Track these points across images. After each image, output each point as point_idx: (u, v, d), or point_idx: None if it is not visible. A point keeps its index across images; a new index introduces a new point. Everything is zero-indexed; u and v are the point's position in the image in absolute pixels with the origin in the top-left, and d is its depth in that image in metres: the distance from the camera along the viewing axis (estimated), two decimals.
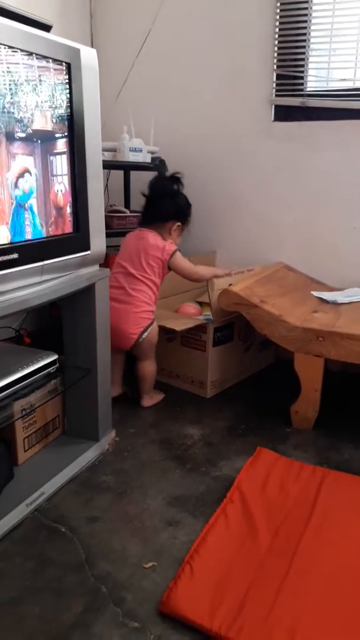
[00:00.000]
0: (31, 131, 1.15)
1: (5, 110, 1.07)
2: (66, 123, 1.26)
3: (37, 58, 1.14)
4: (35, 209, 1.20)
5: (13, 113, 1.10)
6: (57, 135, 1.24)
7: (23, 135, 1.13)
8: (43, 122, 1.19)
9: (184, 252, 1.96)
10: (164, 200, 1.85)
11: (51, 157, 1.23)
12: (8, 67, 1.07)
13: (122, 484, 1.44)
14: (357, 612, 1.02)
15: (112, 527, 1.28)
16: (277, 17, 2.08)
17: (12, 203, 1.13)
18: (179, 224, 1.87)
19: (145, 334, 1.79)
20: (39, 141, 1.18)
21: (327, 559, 1.16)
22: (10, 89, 1.08)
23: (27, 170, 1.16)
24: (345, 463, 1.56)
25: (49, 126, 1.21)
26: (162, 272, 1.84)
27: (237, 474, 1.45)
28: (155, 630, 1.00)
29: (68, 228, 1.32)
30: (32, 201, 1.19)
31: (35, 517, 1.30)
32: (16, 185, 1.13)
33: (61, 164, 1.27)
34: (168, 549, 1.21)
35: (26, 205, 1.17)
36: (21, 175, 1.15)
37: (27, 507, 1.30)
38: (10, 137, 1.10)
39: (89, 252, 1.38)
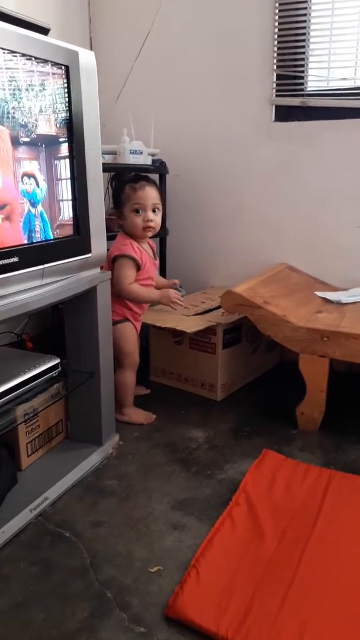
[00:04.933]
0: (30, 136, 1.15)
1: (3, 114, 1.07)
2: (65, 126, 1.25)
3: (35, 61, 1.13)
4: (35, 212, 1.20)
5: (10, 118, 1.09)
6: (56, 138, 1.23)
7: (24, 139, 1.13)
8: (41, 125, 1.18)
9: (185, 256, 1.91)
10: None
11: (52, 161, 1.23)
12: (5, 71, 1.06)
13: (127, 488, 1.44)
14: None
15: (117, 532, 1.27)
16: (276, 17, 2.08)
17: (13, 206, 1.12)
18: (115, 210, 1.80)
19: None
20: (39, 145, 1.18)
21: (335, 562, 1.14)
22: (9, 93, 1.08)
23: (28, 174, 1.16)
24: (352, 464, 1.55)
25: (45, 130, 1.20)
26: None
27: (242, 477, 1.44)
28: (162, 635, 0.99)
29: (68, 231, 1.32)
30: (33, 204, 1.19)
31: (39, 522, 1.30)
32: (18, 189, 1.13)
33: (61, 168, 1.26)
34: (174, 552, 1.20)
35: (27, 209, 1.17)
36: (22, 179, 1.15)
37: (31, 512, 1.29)
38: (9, 142, 1.09)
39: (89, 255, 1.38)
